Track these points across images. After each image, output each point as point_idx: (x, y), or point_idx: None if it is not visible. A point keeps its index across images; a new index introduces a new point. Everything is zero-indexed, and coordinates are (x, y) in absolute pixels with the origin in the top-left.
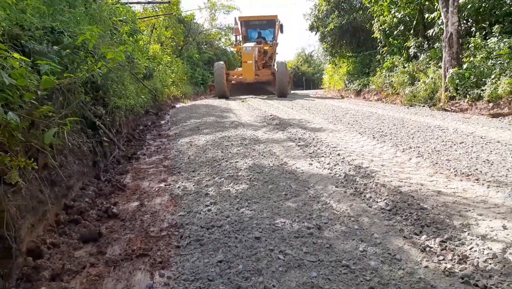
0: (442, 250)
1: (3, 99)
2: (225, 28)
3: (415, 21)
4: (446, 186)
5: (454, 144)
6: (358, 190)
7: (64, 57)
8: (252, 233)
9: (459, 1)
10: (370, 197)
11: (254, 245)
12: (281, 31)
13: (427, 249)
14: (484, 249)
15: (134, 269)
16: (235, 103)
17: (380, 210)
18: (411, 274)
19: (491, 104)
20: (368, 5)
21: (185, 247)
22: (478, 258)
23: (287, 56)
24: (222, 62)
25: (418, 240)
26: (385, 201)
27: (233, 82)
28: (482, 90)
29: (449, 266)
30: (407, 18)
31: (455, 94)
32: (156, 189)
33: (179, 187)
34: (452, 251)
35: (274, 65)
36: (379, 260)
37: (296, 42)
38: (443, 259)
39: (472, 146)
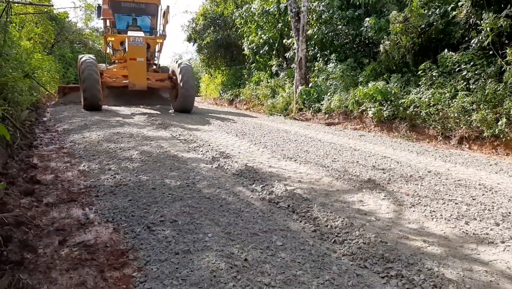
0: (262, 190)
1: None
2: (100, 29)
3: (277, 44)
4: (276, 163)
5: (290, 141)
6: (220, 165)
7: None
8: (149, 186)
9: (307, 33)
10: (227, 168)
11: (151, 192)
12: (167, 21)
13: (254, 190)
14: (282, 188)
15: (69, 207)
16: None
17: (232, 174)
18: (243, 200)
19: (326, 115)
20: (239, 26)
21: (103, 196)
22: (278, 192)
23: (163, 62)
24: (92, 56)
25: (250, 187)
26: (236, 170)
27: (108, 86)
28: (321, 104)
29: (264, 196)
30: (271, 40)
31: (302, 107)
32: (64, 167)
33: (84, 166)
34: (267, 190)
35: (159, 66)
36: (227, 195)
37: (173, 48)
38: (261, 193)
39: (301, 142)
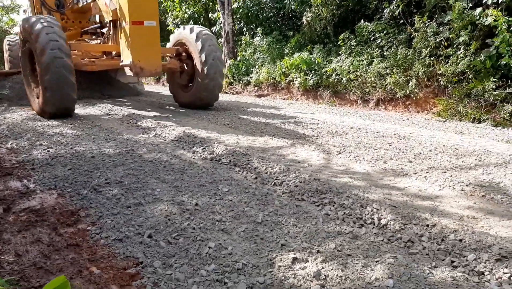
0: (203, 151)
1: None
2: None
3: (202, 18)
4: (215, 130)
5: (224, 111)
6: (157, 134)
7: None
8: (88, 156)
9: (232, 6)
10: (165, 136)
11: (91, 160)
12: None
13: (195, 152)
14: (221, 148)
15: (5, 181)
16: None
17: (171, 141)
18: (186, 160)
19: (256, 88)
20: (162, 0)
21: (39, 168)
22: (219, 151)
23: None
24: (52, 18)
25: (191, 149)
26: (174, 136)
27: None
28: (250, 77)
29: (205, 156)
30: (196, 15)
31: (232, 80)
32: None
33: (11, 144)
34: (208, 150)
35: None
36: (170, 158)
37: None
38: (203, 154)
39: (235, 111)
